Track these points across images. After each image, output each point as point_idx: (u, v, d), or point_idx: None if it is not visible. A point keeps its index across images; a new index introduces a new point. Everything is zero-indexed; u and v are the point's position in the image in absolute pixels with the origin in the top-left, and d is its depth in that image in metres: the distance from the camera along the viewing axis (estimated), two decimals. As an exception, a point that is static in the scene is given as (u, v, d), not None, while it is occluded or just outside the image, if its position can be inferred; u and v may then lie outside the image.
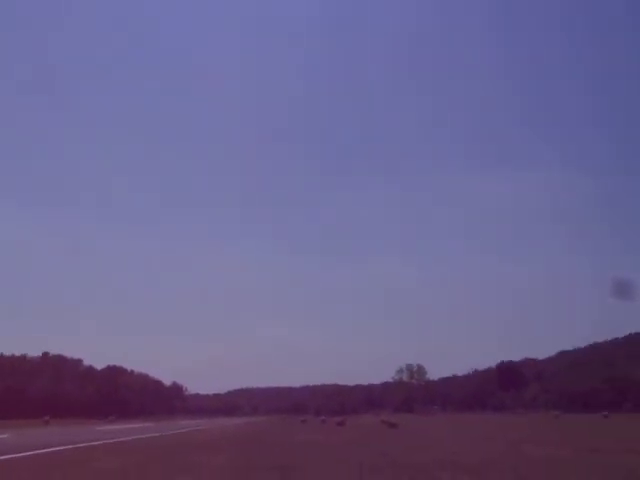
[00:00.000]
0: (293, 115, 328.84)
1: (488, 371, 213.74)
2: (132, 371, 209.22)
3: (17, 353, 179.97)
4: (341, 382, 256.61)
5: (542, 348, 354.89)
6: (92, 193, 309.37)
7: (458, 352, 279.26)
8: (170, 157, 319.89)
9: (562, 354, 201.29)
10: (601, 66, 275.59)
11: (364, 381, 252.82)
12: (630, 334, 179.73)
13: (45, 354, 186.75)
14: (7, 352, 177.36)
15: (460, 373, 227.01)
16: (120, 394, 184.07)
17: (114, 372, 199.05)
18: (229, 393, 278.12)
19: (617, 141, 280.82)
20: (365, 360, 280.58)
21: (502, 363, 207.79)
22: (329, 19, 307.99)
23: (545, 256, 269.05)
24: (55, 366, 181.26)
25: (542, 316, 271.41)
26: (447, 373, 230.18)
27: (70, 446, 27.99)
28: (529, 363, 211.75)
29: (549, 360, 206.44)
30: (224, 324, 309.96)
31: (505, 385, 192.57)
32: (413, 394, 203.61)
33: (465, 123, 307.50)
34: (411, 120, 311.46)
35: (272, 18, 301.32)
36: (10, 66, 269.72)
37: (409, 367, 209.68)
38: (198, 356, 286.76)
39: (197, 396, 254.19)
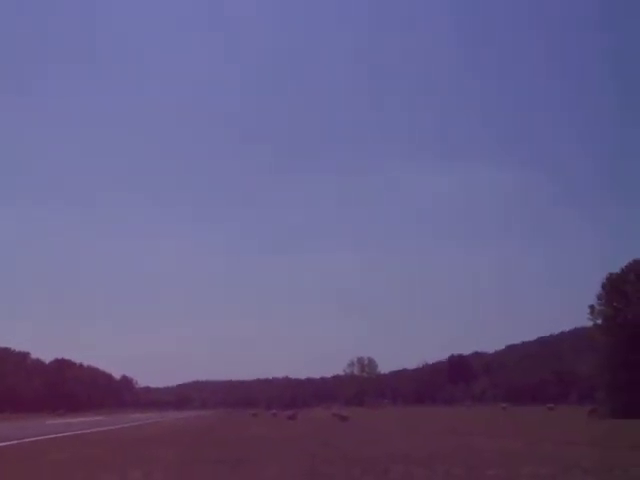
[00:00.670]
0: (238, 113, 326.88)
1: (438, 364, 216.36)
2: (81, 364, 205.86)
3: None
4: (292, 375, 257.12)
5: (491, 342, 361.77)
6: (44, 185, 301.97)
7: (409, 346, 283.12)
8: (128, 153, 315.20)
9: (510, 348, 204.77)
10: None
11: (315, 374, 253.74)
12: (576, 328, 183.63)
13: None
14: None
15: (410, 367, 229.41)
16: (69, 387, 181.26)
17: (62, 365, 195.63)
18: (180, 386, 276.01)
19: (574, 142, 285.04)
20: (316, 353, 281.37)
21: (452, 356, 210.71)
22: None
23: (494, 250, 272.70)
24: (1, 359, 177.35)
25: (491, 310, 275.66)
26: (398, 367, 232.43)
27: (21, 440, 27.59)
28: (478, 357, 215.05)
29: (498, 354, 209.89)
30: (175, 317, 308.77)
31: (455, 378, 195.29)
32: (364, 387, 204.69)
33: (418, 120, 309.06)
34: (361, 116, 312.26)
35: (223, 18, 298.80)
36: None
37: (360, 360, 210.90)
38: (149, 349, 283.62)
39: (148, 389, 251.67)
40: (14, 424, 57.58)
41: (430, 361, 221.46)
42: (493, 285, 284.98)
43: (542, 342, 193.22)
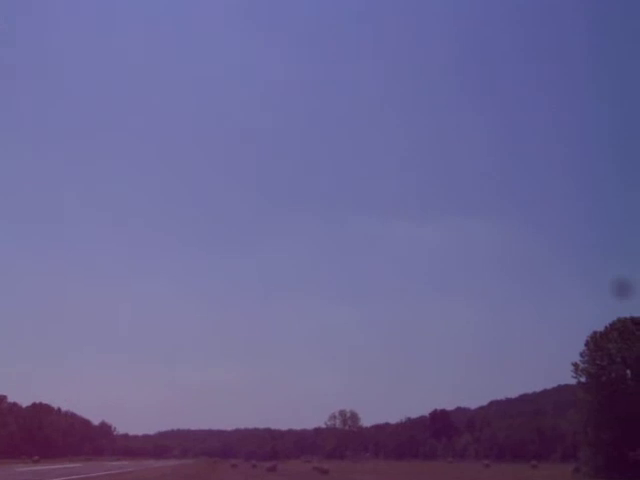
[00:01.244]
0: (225, 161, 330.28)
1: (421, 419, 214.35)
2: (59, 409, 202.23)
3: None
4: (273, 426, 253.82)
5: (474, 398, 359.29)
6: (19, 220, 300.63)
7: (391, 399, 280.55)
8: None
9: (493, 404, 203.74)
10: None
11: (296, 426, 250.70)
12: (559, 385, 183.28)
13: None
14: None
15: (393, 421, 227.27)
16: (45, 433, 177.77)
17: (39, 410, 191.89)
18: (159, 434, 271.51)
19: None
20: (298, 405, 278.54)
21: (435, 411, 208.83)
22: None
23: (479, 305, 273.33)
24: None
25: (474, 365, 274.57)
26: (380, 420, 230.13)
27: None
28: (461, 412, 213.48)
29: (480, 409, 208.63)
30: (156, 364, 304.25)
31: (437, 434, 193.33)
32: (346, 440, 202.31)
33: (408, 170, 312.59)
34: (353, 165, 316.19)
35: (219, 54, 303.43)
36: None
37: (342, 413, 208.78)
38: (129, 395, 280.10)
39: (126, 436, 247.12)
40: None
41: (412, 415, 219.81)
42: (477, 340, 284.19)
43: (525, 399, 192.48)
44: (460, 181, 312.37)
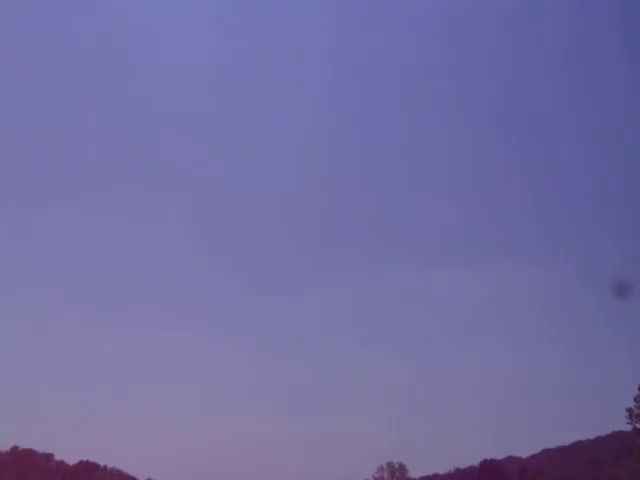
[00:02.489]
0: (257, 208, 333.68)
1: (470, 469, 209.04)
2: (105, 467, 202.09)
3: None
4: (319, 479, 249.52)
5: (525, 445, 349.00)
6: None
7: (440, 449, 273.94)
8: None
9: (545, 452, 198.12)
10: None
11: (343, 479, 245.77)
12: (614, 432, 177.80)
13: (14, 448, 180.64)
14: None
15: (442, 471, 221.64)
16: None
17: (86, 468, 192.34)
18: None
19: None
20: (345, 457, 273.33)
21: (484, 461, 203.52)
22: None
23: (528, 350, 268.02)
24: (25, 461, 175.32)
25: (524, 412, 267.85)
26: (429, 471, 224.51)
27: None
28: (512, 461, 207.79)
29: (532, 458, 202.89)
30: (201, 420, 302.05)
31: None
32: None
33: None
34: (392, 214, 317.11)
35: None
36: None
37: (390, 465, 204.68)
38: (174, 452, 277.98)
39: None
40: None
41: (461, 465, 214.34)
42: (526, 386, 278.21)
43: (579, 447, 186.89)
44: (502, 224, 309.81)
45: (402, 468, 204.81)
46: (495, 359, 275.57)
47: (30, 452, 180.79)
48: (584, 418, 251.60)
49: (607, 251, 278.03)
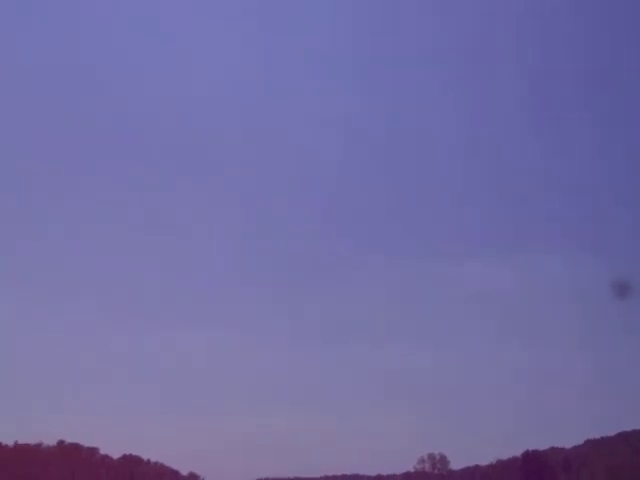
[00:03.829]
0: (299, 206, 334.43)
1: (512, 460, 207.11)
2: (149, 460, 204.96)
3: (32, 442, 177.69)
4: (361, 472, 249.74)
5: (568, 436, 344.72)
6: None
7: (481, 440, 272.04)
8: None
9: (589, 442, 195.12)
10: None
11: (385, 471, 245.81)
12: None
13: (60, 442, 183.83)
14: (22, 440, 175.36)
15: (483, 462, 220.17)
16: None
17: (130, 461, 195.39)
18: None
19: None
20: (386, 449, 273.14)
21: (527, 452, 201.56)
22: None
23: (568, 340, 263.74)
24: (70, 455, 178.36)
25: (567, 402, 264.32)
26: (470, 462, 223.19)
27: None
28: (555, 452, 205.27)
29: (576, 449, 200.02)
30: (242, 412, 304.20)
31: (530, 475, 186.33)
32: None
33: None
34: (423, 211, 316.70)
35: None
36: None
37: (431, 456, 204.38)
38: (216, 445, 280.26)
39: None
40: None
41: (503, 457, 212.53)
42: (569, 375, 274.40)
43: (623, 437, 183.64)
44: (529, 218, 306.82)
45: (443, 459, 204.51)
46: (532, 349, 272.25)
47: (75, 446, 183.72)
48: (629, 408, 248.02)
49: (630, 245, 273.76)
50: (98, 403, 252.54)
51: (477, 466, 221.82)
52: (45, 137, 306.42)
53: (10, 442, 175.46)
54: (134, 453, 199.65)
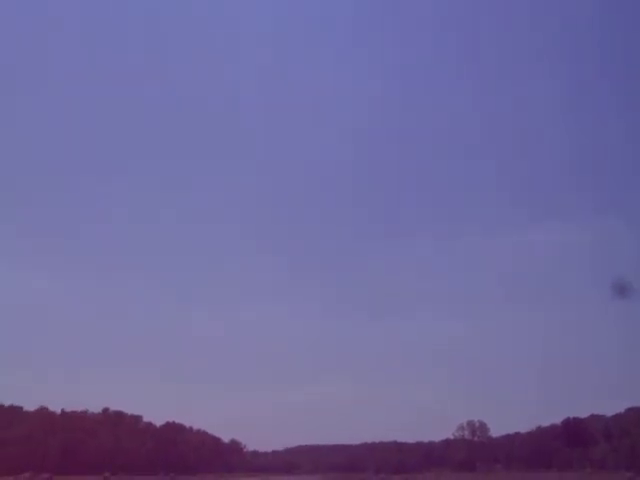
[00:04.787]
0: (338, 179, 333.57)
1: (552, 428, 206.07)
2: (191, 428, 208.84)
3: (79, 409, 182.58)
4: (400, 439, 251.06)
5: (609, 403, 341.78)
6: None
7: (520, 408, 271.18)
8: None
9: (631, 410, 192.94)
10: None
11: (424, 438, 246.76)
12: None
13: (105, 410, 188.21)
14: (69, 408, 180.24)
15: (523, 430, 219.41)
16: (178, 451, 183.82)
17: (173, 428, 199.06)
18: (287, 450, 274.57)
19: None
20: (425, 417, 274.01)
21: (567, 419, 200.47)
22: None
23: (612, 306, 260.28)
24: (115, 422, 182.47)
25: (608, 369, 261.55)
26: (509, 430, 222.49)
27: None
28: (596, 419, 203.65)
29: (617, 417, 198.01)
30: (283, 380, 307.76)
31: (571, 443, 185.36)
32: (475, 452, 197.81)
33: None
34: (454, 180, 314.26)
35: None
36: None
37: (470, 424, 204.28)
38: (256, 412, 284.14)
39: (256, 453, 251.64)
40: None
41: (543, 424, 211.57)
42: (609, 342, 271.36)
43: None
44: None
45: (483, 427, 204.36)
46: (576, 317, 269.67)
47: (120, 414, 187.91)
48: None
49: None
50: (143, 372, 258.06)
51: (517, 433, 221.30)
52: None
53: (58, 409, 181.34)
54: (177, 421, 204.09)
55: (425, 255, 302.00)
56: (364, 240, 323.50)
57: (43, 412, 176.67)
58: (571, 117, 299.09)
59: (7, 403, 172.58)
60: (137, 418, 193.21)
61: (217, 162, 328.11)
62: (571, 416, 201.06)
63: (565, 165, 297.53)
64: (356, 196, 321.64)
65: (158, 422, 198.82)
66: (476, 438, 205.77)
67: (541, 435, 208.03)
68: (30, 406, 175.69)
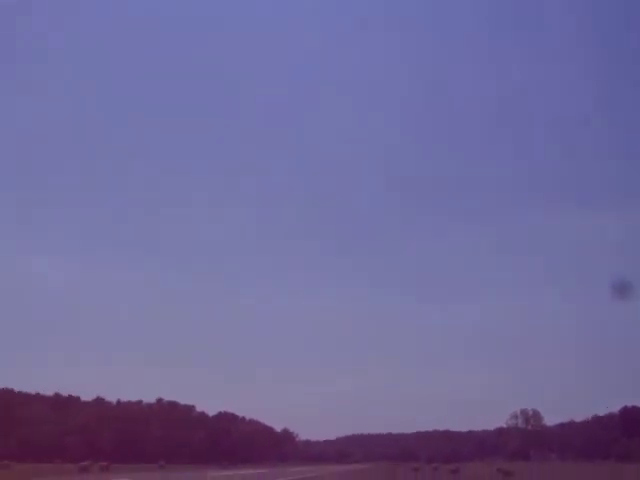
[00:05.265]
0: (382, 161, 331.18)
1: (609, 416, 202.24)
2: (243, 417, 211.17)
3: (134, 399, 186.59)
4: (453, 428, 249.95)
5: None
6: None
7: (575, 396, 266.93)
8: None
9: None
10: None
11: (476, 427, 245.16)
12: None
13: (159, 400, 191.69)
14: (124, 399, 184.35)
15: (578, 419, 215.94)
16: (231, 440, 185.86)
17: (225, 418, 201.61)
18: (340, 439, 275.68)
19: None
20: (477, 405, 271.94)
21: (625, 408, 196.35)
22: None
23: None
24: (168, 412, 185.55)
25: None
26: (564, 418, 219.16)
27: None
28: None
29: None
30: (334, 370, 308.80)
31: (630, 432, 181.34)
32: (529, 441, 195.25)
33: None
34: (496, 165, 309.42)
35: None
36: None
37: (524, 412, 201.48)
38: (308, 402, 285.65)
39: (308, 443, 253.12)
40: (182, 475, 59.29)
41: (600, 413, 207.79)
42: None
43: None
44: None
45: (536, 415, 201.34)
46: (628, 304, 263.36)
47: (173, 404, 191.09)
48: None
49: None
50: (194, 362, 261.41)
51: (572, 422, 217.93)
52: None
53: (113, 400, 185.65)
54: (229, 410, 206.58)
55: (473, 240, 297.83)
56: (412, 224, 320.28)
57: (99, 402, 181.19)
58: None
59: (65, 393, 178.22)
60: (190, 408, 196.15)
61: (268, 151, 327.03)
62: (629, 404, 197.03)
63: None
64: (404, 178, 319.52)
65: (211, 412, 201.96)
66: (530, 427, 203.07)
67: (597, 424, 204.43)
68: (87, 396, 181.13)
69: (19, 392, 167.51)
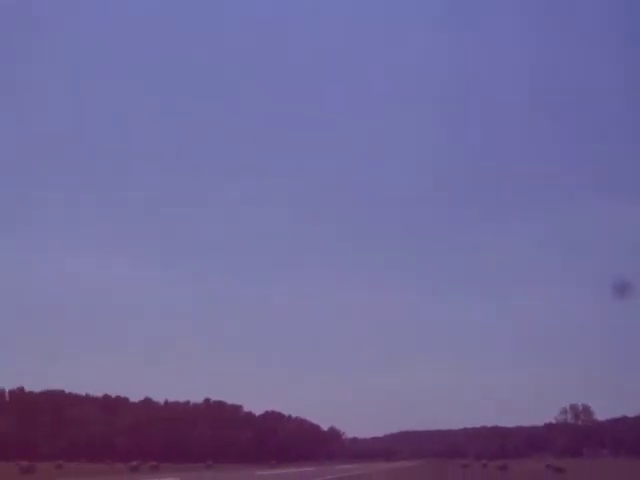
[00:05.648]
0: (425, 160, 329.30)
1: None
2: (290, 416, 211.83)
3: (181, 399, 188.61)
4: (501, 424, 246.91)
5: None
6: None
7: (627, 390, 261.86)
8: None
9: None
10: None
11: (525, 422, 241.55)
12: None
13: (207, 400, 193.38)
14: (172, 399, 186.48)
15: (631, 414, 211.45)
16: (278, 439, 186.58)
17: (272, 417, 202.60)
18: (387, 436, 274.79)
19: None
20: (526, 400, 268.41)
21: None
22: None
23: None
24: (216, 412, 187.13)
25: None
26: (616, 414, 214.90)
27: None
28: None
29: None
30: (381, 367, 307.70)
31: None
32: (579, 436, 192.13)
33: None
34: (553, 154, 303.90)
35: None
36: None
37: (574, 407, 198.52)
38: (355, 399, 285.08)
39: (355, 440, 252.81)
40: (231, 474, 59.56)
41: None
42: None
43: None
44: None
45: (587, 410, 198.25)
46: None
47: (220, 404, 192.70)
48: None
49: None
50: (241, 361, 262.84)
51: (624, 417, 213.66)
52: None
53: (161, 400, 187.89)
54: (276, 409, 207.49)
55: (520, 235, 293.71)
56: (475, 219, 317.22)
57: (147, 403, 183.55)
58: None
59: (114, 394, 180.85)
60: (237, 408, 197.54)
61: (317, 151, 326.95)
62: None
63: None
64: (467, 173, 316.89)
65: (257, 411, 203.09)
66: (580, 422, 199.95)
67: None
68: (135, 397, 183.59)
69: (69, 393, 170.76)
